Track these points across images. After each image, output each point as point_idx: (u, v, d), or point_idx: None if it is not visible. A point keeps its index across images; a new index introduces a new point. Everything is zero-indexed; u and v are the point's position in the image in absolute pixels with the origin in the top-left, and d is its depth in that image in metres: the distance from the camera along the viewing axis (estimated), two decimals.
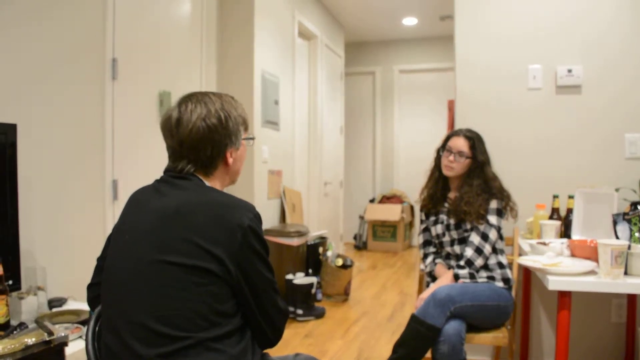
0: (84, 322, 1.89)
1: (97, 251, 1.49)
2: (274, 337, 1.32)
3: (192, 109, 1.27)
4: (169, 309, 1.13)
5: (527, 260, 2.08)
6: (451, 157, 2.44)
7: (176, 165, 1.29)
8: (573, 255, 2.13)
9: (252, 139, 1.41)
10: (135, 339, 1.13)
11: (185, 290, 1.13)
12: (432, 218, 2.54)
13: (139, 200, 1.30)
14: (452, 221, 2.43)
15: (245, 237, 1.18)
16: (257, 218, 1.23)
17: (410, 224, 7.28)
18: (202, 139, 1.25)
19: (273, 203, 4.34)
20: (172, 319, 1.12)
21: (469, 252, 2.34)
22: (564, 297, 1.85)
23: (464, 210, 2.36)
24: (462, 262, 2.33)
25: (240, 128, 1.33)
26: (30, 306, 1.90)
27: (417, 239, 2.64)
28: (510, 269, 2.44)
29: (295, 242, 4.04)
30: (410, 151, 7.37)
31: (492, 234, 2.35)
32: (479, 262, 2.33)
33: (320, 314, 3.97)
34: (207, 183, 1.29)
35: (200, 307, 1.13)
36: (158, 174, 1.34)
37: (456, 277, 2.31)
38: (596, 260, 1.92)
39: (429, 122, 7.23)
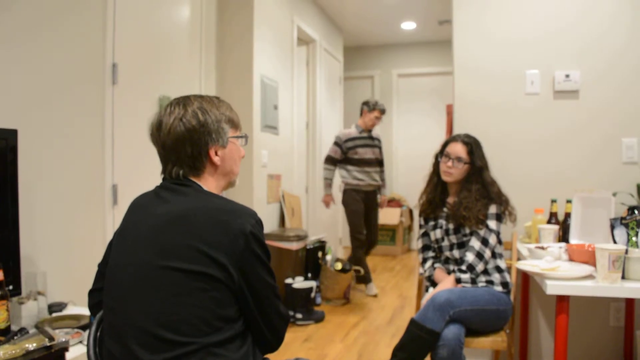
0: (84, 327, 1.90)
1: (97, 256, 1.49)
2: (275, 343, 1.33)
3: (171, 111, 1.28)
4: (172, 315, 1.14)
5: (526, 265, 2.09)
6: (449, 163, 2.45)
7: (166, 169, 1.31)
8: (571, 259, 2.14)
9: (243, 137, 1.39)
10: (138, 344, 1.14)
11: (188, 296, 1.14)
12: (431, 223, 2.56)
13: (140, 206, 1.31)
14: (451, 226, 2.44)
15: (247, 243, 1.19)
16: (259, 224, 1.23)
17: (409, 228, 7.29)
18: (180, 139, 1.26)
19: (272, 207, 4.35)
20: (175, 325, 1.13)
21: (470, 257, 2.35)
22: (562, 301, 1.86)
23: (463, 215, 2.37)
24: (463, 267, 2.34)
25: (223, 126, 1.31)
26: (30, 311, 1.91)
27: (416, 243, 2.65)
28: (509, 273, 2.45)
29: (294, 246, 4.05)
30: (408, 155, 7.38)
31: (492, 239, 2.37)
32: (480, 267, 2.35)
33: (319, 318, 3.97)
34: (203, 186, 1.29)
35: (203, 313, 1.14)
36: (158, 178, 1.35)
37: (458, 281, 2.33)
38: (594, 264, 1.93)
39: (428, 126, 7.25)
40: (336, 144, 4.72)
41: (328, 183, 4.80)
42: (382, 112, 4.73)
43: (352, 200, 4.71)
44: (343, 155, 4.69)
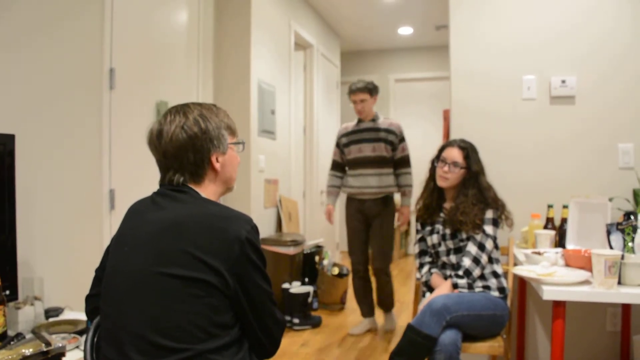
0: (81, 332, 1.89)
1: (94, 260, 1.49)
2: (272, 348, 1.33)
3: (171, 119, 1.29)
4: (168, 321, 1.14)
5: (522, 270, 2.09)
6: (446, 168, 2.46)
7: (166, 177, 1.31)
8: (567, 264, 2.15)
9: (241, 143, 1.41)
10: (135, 351, 1.14)
11: (184, 303, 1.14)
12: (428, 228, 2.56)
13: (137, 212, 1.32)
14: (448, 231, 2.44)
15: (242, 249, 1.19)
16: (255, 230, 1.24)
17: (406, 233, 7.29)
18: (183, 147, 1.27)
19: (269, 212, 4.35)
20: (171, 331, 1.13)
21: (466, 262, 2.35)
22: (559, 306, 1.86)
23: (460, 220, 2.38)
24: (460, 272, 2.35)
25: (223, 132, 1.33)
26: (27, 316, 1.90)
27: (413, 248, 2.65)
28: (506, 278, 2.46)
29: (291, 251, 4.05)
30: None
31: (489, 244, 2.38)
32: (476, 272, 2.35)
33: (316, 323, 3.96)
34: (202, 193, 1.30)
35: (199, 319, 1.14)
36: (155, 183, 1.35)
37: (455, 286, 2.33)
38: (590, 270, 1.94)
39: (425, 131, 7.25)
40: (336, 143, 3.89)
41: (328, 191, 3.90)
42: (353, 92, 3.62)
43: (347, 212, 3.84)
44: (343, 155, 3.82)
